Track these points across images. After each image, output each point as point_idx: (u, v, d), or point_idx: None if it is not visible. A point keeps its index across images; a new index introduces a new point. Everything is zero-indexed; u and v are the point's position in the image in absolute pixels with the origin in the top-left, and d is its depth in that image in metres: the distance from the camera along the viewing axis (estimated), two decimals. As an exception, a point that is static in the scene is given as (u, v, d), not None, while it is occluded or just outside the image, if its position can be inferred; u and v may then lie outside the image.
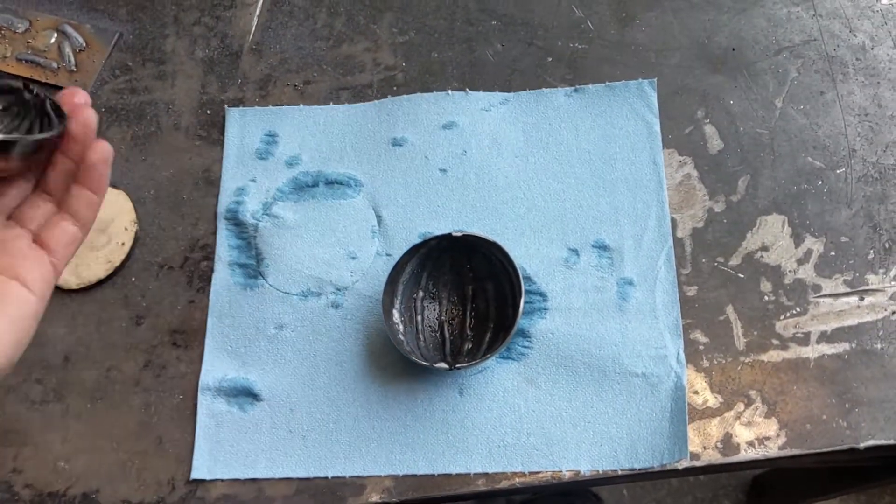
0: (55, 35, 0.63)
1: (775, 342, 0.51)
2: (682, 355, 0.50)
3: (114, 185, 0.58)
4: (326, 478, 0.51)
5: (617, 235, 0.54)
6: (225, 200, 0.57)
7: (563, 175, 0.56)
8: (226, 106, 0.60)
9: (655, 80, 0.57)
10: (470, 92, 0.58)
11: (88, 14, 0.64)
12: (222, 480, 0.51)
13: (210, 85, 0.61)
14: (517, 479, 0.50)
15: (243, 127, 0.59)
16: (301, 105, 0.59)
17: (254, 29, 0.62)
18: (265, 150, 0.58)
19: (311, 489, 0.51)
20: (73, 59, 0.62)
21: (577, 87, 0.57)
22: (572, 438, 0.50)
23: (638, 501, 1.37)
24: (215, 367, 0.53)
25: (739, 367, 0.51)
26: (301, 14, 0.62)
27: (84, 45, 0.63)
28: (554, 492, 0.54)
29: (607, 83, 0.57)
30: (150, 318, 0.55)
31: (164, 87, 0.61)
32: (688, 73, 0.58)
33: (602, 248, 0.53)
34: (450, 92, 0.58)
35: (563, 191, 0.55)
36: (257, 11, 0.63)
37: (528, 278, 0.53)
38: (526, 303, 0.52)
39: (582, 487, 0.65)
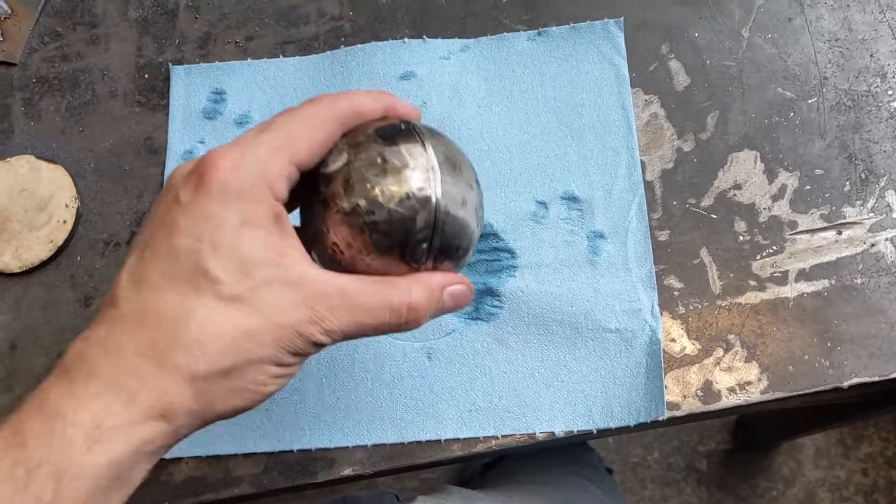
0: (-23, 3, 0.59)
1: (752, 283, 0.49)
2: (657, 308, 0.48)
3: (50, 160, 0.54)
4: (293, 451, 0.49)
5: (586, 186, 0.51)
6: (172, 165, 0.54)
7: (529, 125, 0.53)
8: (170, 64, 0.56)
9: (622, 19, 0.54)
10: (428, 39, 0.55)
11: (11, -22, 0.60)
12: (187, 463, 0.49)
13: (146, 47, 0.57)
14: (493, 443, 0.48)
15: (188, 85, 0.56)
16: (249, 60, 0.56)
17: (189, -16, 0.58)
18: (213, 108, 0.55)
19: (279, 466, 0.49)
20: (-3, 27, 0.58)
21: (540, 30, 0.54)
22: (545, 399, 0.48)
23: (623, 448, 1.37)
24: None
25: (717, 312, 0.49)
26: (239, -34, 0.59)
27: (9, 11, 0.58)
28: (540, 448, 0.53)
29: (572, 24, 0.54)
30: (98, 298, 0.52)
31: (98, 51, 0.57)
32: (650, 6, 0.55)
33: (571, 199, 0.51)
34: (406, 40, 0.55)
35: (529, 141, 0.53)
36: (192, -35, 0.59)
37: (495, 234, 0.51)
38: (494, 261, 0.50)
39: (570, 444, 0.63)
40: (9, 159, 0.55)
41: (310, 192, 0.36)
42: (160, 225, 0.33)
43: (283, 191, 0.34)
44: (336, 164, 0.35)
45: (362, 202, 0.34)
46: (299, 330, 0.33)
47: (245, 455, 0.49)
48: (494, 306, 0.49)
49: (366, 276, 0.35)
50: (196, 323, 0.31)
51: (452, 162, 0.36)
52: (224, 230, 0.32)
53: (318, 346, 0.34)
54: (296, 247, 0.34)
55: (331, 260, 0.36)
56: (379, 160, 0.34)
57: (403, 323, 0.36)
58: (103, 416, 0.30)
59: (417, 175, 0.34)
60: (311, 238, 0.37)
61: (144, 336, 0.32)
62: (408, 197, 0.34)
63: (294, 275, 0.33)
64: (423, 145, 0.35)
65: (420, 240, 0.35)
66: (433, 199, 0.34)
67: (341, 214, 0.34)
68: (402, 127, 0.36)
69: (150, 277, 0.32)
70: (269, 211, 0.33)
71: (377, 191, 0.34)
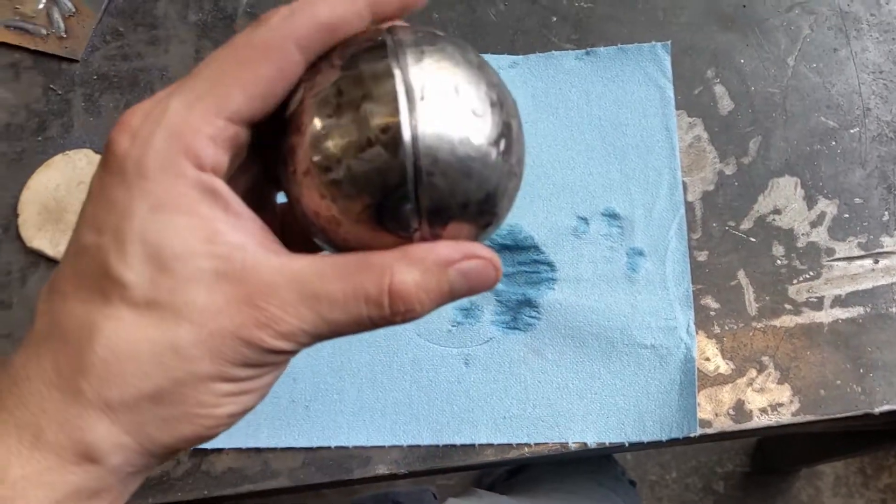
0: (44, 1, 0.61)
1: (788, 307, 0.50)
2: (693, 327, 0.49)
3: (108, 155, 0.56)
4: (331, 448, 0.50)
5: (627, 204, 0.52)
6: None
7: (573, 141, 0.54)
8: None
9: (669, 43, 0.55)
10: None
11: (77, -22, 0.62)
12: (227, 454, 0.51)
13: (204, 50, 0.59)
14: (526, 450, 0.49)
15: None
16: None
17: (248, -9, 0.60)
18: None
19: (317, 461, 0.50)
20: (62, 24, 0.60)
21: (589, 49, 0.56)
22: (579, 410, 0.49)
23: (641, 465, 1.38)
24: (216, 340, 0.52)
25: (751, 333, 0.50)
26: (297, -25, 0.60)
27: (73, 10, 0.61)
28: (573, 459, 0.53)
29: (619, 46, 0.55)
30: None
31: (157, 52, 0.59)
32: (697, 32, 0.56)
33: (612, 216, 0.52)
34: (453, 54, 0.56)
35: (573, 158, 0.54)
36: (251, -27, 0.61)
37: (535, 247, 0.52)
38: (534, 272, 0.51)
39: (597, 455, 0.63)
40: (68, 152, 0.57)
41: (277, 147, 0.28)
42: (78, 215, 0.27)
43: (213, 154, 0.25)
44: (291, 108, 0.27)
45: (316, 157, 0.25)
46: (243, 336, 0.25)
47: (284, 449, 0.51)
48: (532, 317, 0.51)
49: (339, 255, 0.27)
50: (102, 339, 0.25)
51: (446, 81, 0.26)
52: (130, 220, 0.25)
53: (280, 353, 0.26)
54: (238, 227, 0.26)
55: (313, 234, 0.28)
56: (333, 95, 0.25)
57: (389, 315, 0.26)
58: (9, 465, 0.24)
59: (381, 109, 0.25)
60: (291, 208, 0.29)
61: (49, 358, 0.25)
62: (369, 143, 0.25)
63: (231, 265, 0.25)
64: (396, 62, 0.25)
65: (398, 199, 0.25)
66: (405, 141, 0.25)
67: (299, 175, 0.26)
68: (376, 41, 0.26)
69: (60, 284, 0.26)
70: (191, 185, 0.25)
71: (330, 140, 0.25)
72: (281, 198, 0.30)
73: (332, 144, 0.25)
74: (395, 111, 0.25)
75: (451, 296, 0.27)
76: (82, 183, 0.56)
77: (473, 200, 0.26)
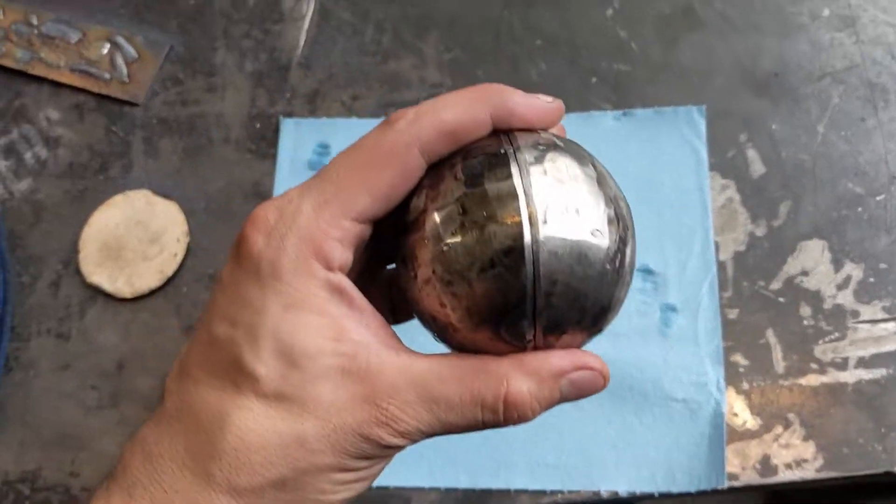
0: (108, 46, 0.64)
1: (814, 366, 0.52)
2: (723, 383, 0.52)
3: (166, 196, 0.59)
4: (372, 488, 0.52)
5: (661, 261, 0.55)
6: (275, 213, 0.58)
7: None
8: (280, 116, 0.61)
9: (704, 107, 0.58)
10: (517, 111, 0.59)
11: (140, 26, 0.65)
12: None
13: (259, 98, 0.62)
14: (559, 497, 0.51)
15: (296, 138, 0.60)
16: (354, 118, 0.60)
17: (302, 43, 0.63)
18: (317, 161, 0.59)
19: (357, 500, 0.52)
20: (125, 70, 0.63)
21: (626, 111, 0.58)
22: (612, 459, 0.51)
23: None
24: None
25: (778, 390, 0.52)
26: (349, 29, 0.64)
27: (136, 56, 0.64)
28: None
29: (656, 108, 0.58)
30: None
31: (215, 99, 0.62)
32: (731, 97, 0.58)
33: (646, 272, 0.54)
34: (497, 111, 0.59)
35: None
36: (305, 26, 0.64)
37: (571, 298, 0.54)
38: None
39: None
40: (127, 192, 0.60)
41: (396, 244, 0.29)
42: (208, 304, 0.29)
43: (341, 255, 0.27)
44: (413, 214, 0.28)
45: (439, 269, 0.27)
46: (363, 433, 0.27)
47: (327, 487, 0.53)
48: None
49: (457, 358, 0.28)
50: (234, 429, 0.26)
51: (567, 202, 0.26)
52: (264, 316, 0.27)
53: (395, 448, 0.28)
54: (364, 324, 0.28)
55: (427, 328, 0.30)
56: (457, 213, 0.26)
57: (503, 421, 0.28)
58: None
59: (505, 231, 0.26)
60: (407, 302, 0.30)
61: (182, 440, 0.27)
62: (492, 263, 0.26)
63: (355, 363, 0.27)
64: (520, 181, 0.26)
65: (517, 315, 0.27)
66: (527, 264, 0.26)
67: (420, 281, 0.28)
68: (497, 153, 0.27)
69: (191, 369, 0.28)
70: (322, 286, 0.27)
71: (453, 255, 0.26)
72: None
73: (454, 260, 0.26)
74: (520, 235, 0.26)
75: (561, 401, 0.30)
76: (140, 222, 0.59)
77: (588, 315, 0.28)
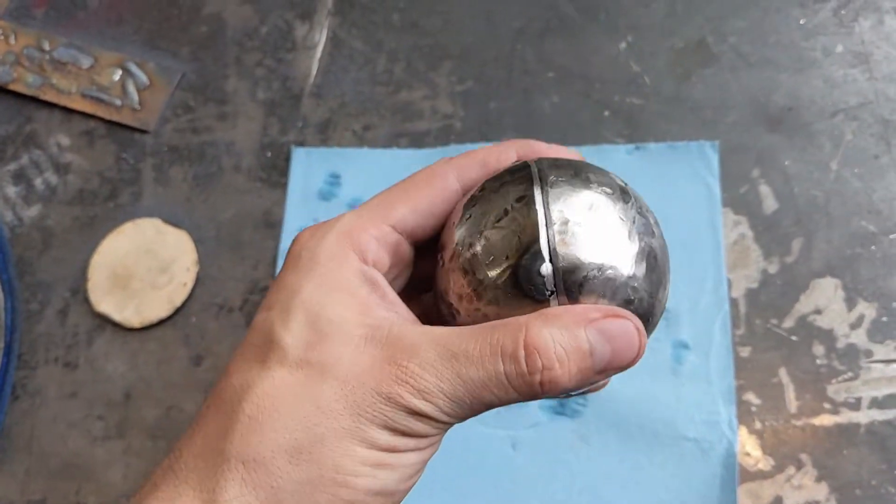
0: (119, 72, 0.64)
1: (827, 406, 0.52)
2: (735, 422, 0.51)
3: (176, 225, 0.59)
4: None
5: (673, 296, 0.54)
6: (287, 240, 0.58)
7: None
8: (292, 145, 0.61)
9: (717, 142, 0.57)
10: (530, 144, 0.59)
11: (152, 52, 0.65)
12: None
13: (271, 127, 0.62)
14: (570, 536, 0.51)
15: (308, 167, 0.60)
16: (365, 148, 0.60)
17: (314, 72, 0.63)
18: (328, 191, 0.59)
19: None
20: (136, 96, 0.63)
21: (639, 145, 0.58)
22: (622, 499, 0.50)
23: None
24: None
25: (791, 431, 0.51)
26: (361, 59, 0.64)
27: (147, 83, 0.64)
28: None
29: (669, 143, 0.58)
30: (209, 359, 0.56)
31: (226, 127, 0.62)
32: (744, 132, 0.58)
33: (659, 308, 0.54)
34: (509, 143, 0.59)
35: None
36: (318, 55, 0.64)
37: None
38: (581, 358, 0.53)
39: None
40: (137, 221, 0.59)
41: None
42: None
43: (376, 252, 0.29)
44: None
45: (461, 234, 0.29)
46: (382, 391, 0.26)
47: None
48: (579, 404, 0.53)
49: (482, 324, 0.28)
50: (252, 397, 0.26)
51: (572, 165, 0.29)
52: (298, 294, 0.28)
53: (420, 416, 0.26)
54: (389, 308, 0.29)
55: (454, 314, 0.31)
56: (477, 191, 0.29)
57: (527, 372, 0.26)
58: None
59: (516, 188, 0.28)
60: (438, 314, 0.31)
61: (201, 429, 0.27)
62: (505, 212, 0.28)
63: (379, 332, 0.27)
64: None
65: (533, 257, 0.27)
66: (537, 205, 0.27)
67: (446, 260, 0.29)
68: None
69: (228, 367, 0.28)
70: (356, 273, 0.28)
71: (471, 219, 0.29)
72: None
73: (473, 222, 0.28)
74: (530, 186, 0.28)
75: (593, 358, 0.27)
76: (150, 251, 0.58)
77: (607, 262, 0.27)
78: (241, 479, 0.25)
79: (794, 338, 0.53)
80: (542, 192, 0.27)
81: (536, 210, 0.27)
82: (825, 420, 0.52)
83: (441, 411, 0.26)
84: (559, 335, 0.26)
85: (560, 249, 0.27)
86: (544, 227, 0.27)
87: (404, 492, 0.28)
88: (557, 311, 0.27)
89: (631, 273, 0.28)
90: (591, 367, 0.27)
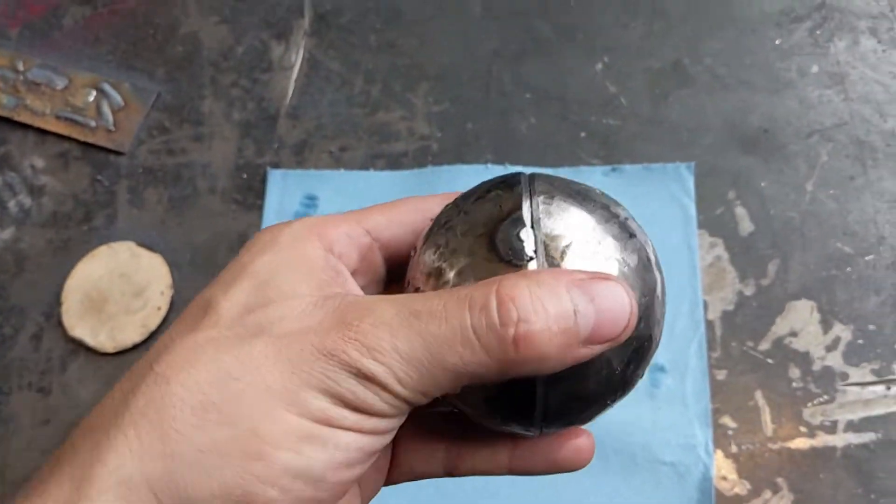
0: (94, 93, 0.64)
1: (803, 429, 0.52)
2: (711, 446, 0.51)
3: (150, 249, 0.58)
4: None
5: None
6: (261, 264, 0.58)
7: None
8: (267, 167, 0.60)
9: (693, 164, 0.57)
10: (509, 166, 0.59)
11: (127, 73, 0.65)
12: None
13: (246, 148, 0.62)
14: (546, 562, 0.50)
15: (283, 189, 0.60)
16: (342, 170, 0.60)
17: (290, 93, 0.63)
18: (305, 213, 0.59)
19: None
20: (111, 117, 0.63)
21: (615, 166, 0.58)
22: (600, 524, 0.50)
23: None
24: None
25: (767, 454, 0.51)
26: (338, 80, 0.63)
27: (122, 104, 0.63)
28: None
29: (645, 165, 0.58)
30: (184, 384, 0.56)
31: (201, 149, 0.62)
32: (720, 154, 0.58)
33: (634, 332, 0.54)
34: (488, 165, 0.59)
35: None
36: (294, 76, 0.64)
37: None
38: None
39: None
40: (112, 244, 0.59)
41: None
42: None
43: (346, 247, 0.26)
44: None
45: (439, 219, 0.28)
46: (326, 347, 0.21)
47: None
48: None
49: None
50: (167, 357, 0.22)
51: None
52: (249, 267, 0.24)
53: (368, 381, 0.21)
54: (349, 288, 0.25)
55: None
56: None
57: (498, 324, 0.21)
58: None
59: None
60: None
61: (106, 400, 0.22)
62: (488, 190, 0.27)
63: (334, 300, 0.23)
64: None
65: (514, 222, 0.26)
66: (522, 184, 0.26)
67: (419, 250, 0.27)
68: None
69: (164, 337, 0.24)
70: (318, 257, 0.25)
71: (452, 204, 0.28)
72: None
73: (452, 204, 0.28)
74: (517, 174, 0.27)
75: (577, 320, 0.22)
76: (124, 275, 0.58)
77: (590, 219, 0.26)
78: (126, 450, 0.20)
79: (770, 360, 0.53)
80: (527, 179, 0.26)
81: (521, 189, 0.25)
82: (801, 443, 0.52)
83: (394, 376, 0.21)
84: (538, 290, 0.21)
85: (543, 219, 0.25)
86: (528, 199, 0.25)
87: (335, 489, 0.22)
88: (537, 270, 0.23)
89: (620, 257, 0.25)
90: (574, 330, 0.22)
